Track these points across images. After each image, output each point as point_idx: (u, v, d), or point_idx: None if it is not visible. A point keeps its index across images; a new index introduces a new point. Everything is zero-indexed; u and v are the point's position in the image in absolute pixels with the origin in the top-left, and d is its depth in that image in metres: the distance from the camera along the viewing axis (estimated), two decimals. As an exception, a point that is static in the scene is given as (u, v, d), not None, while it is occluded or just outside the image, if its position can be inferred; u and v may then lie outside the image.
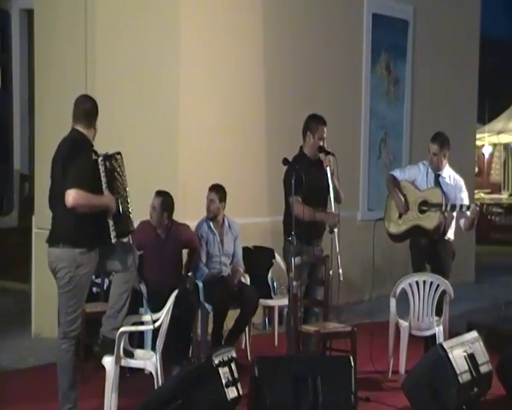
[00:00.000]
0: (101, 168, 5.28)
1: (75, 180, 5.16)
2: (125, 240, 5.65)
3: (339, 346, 6.45)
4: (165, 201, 6.91)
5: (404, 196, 7.14)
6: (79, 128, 5.39)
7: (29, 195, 10.54)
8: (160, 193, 6.96)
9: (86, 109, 5.41)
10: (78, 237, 5.24)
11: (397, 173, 7.30)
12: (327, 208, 6.73)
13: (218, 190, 7.28)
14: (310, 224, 6.55)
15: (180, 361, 6.60)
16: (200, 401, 5.08)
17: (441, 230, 7.01)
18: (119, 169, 5.40)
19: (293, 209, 6.43)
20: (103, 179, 5.29)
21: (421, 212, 7.04)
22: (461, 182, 7.17)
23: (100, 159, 5.29)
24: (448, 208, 6.92)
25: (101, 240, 5.31)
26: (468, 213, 6.94)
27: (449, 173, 7.16)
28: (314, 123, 6.70)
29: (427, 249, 7.09)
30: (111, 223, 5.29)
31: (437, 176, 7.11)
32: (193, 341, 7.06)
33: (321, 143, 6.65)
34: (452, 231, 7.16)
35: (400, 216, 7.15)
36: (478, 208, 6.92)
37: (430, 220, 6.98)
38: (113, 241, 5.32)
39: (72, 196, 5.14)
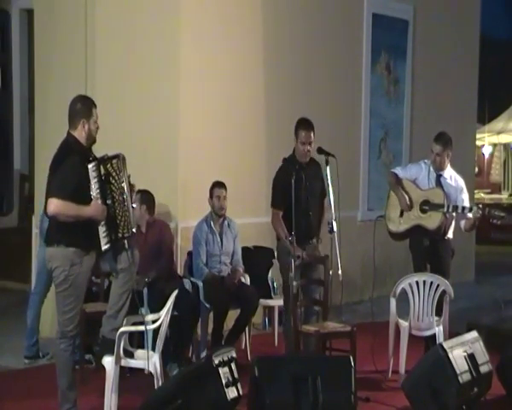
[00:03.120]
0: (93, 174, 5.23)
1: (57, 188, 5.15)
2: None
3: (339, 346, 6.45)
4: (142, 196, 7.10)
5: (407, 193, 7.14)
6: (71, 131, 5.37)
7: (29, 195, 10.53)
8: (139, 191, 7.10)
9: (72, 111, 5.38)
10: (72, 238, 5.23)
11: (398, 171, 7.29)
12: (317, 211, 6.78)
13: (223, 186, 7.33)
14: (303, 224, 6.57)
15: (180, 361, 6.62)
16: (200, 401, 5.08)
17: (442, 230, 7.02)
18: (114, 173, 5.33)
19: (272, 221, 6.72)
20: (94, 185, 5.24)
21: (423, 211, 7.04)
22: (462, 183, 7.17)
23: (91, 165, 5.24)
24: (450, 209, 6.92)
25: (96, 244, 5.30)
26: (470, 215, 6.94)
27: (450, 174, 7.16)
28: (296, 127, 6.75)
29: (428, 250, 7.09)
30: (102, 230, 5.26)
31: (438, 176, 7.11)
32: (193, 341, 7.07)
33: (305, 149, 6.63)
34: (451, 230, 7.17)
35: (401, 215, 7.15)
36: (480, 211, 6.89)
37: (432, 221, 6.97)
38: (105, 248, 5.28)
39: (53, 205, 5.13)
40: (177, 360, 6.63)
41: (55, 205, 5.13)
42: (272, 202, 6.78)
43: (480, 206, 7.00)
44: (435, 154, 7.05)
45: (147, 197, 7.17)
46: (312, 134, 6.67)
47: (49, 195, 5.20)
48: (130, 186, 5.48)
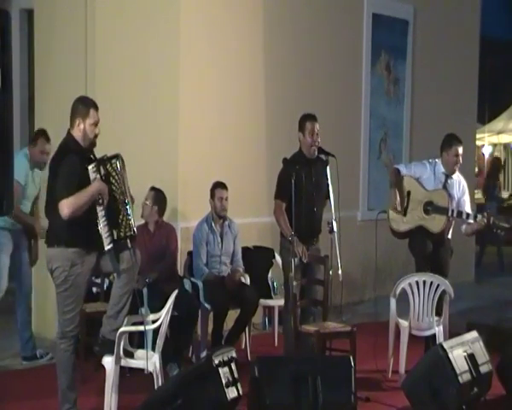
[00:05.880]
0: (94, 175, 5.25)
1: (62, 191, 5.15)
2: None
3: (339, 346, 6.45)
4: (156, 195, 7.15)
5: (409, 192, 7.13)
6: (70, 130, 5.41)
7: (29, 195, 10.51)
8: (153, 188, 7.22)
9: (72, 109, 5.42)
10: (73, 238, 5.23)
11: (402, 168, 7.28)
12: (322, 207, 6.82)
13: (225, 187, 7.33)
14: (306, 223, 6.59)
15: (180, 361, 6.61)
16: (200, 401, 5.07)
17: (445, 232, 7.04)
18: (114, 173, 5.33)
19: (274, 211, 6.73)
20: None
21: (426, 212, 7.03)
22: (465, 185, 7.23)
23: (91, 166, 5.25)
24: (454, 215, 6.93)
25: (97, 244, 5.31)
26: (471, 220, 6.95)
27: (457, 175, 7.19)
28: (302, 121, 6.78)
29: (429, 248, 7.09)
30: (105, 229, 5.26)
31: (446, 177, 7.11)
32: (193, 341, 7.07)
33: (314, 139, 6.66)
34: (450, 230, 7.18)
35: (405, 214, 7.14)
36: (485, 220, 6.88)
37: (436, 224, 6.97)
38: (108, 247, 5.28)
39: (65, 207, 5.13)
40: (177, 361, 6.62)
41: (67, 206, 5.13)
42: (276, 194, 6.78)
43: (485, 214, 6.97)
44: (458, 155, 7.06)
45: (160, 198, 7.18)
46: (318, 126, 6.71)
47: (56, 200, 5.18)
48: (131, 197, 5.49)
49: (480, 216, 6.93)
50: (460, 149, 7.09)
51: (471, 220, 6.96)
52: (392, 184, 7.22)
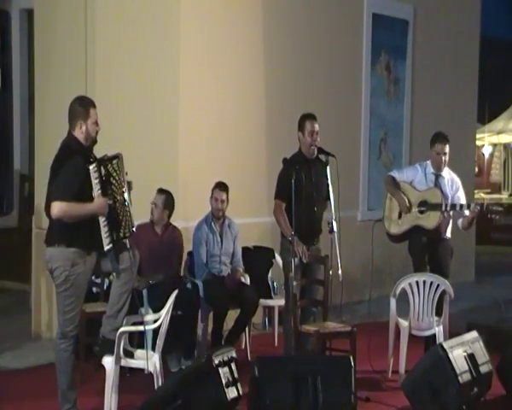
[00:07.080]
0: (94, 175, 5.23)
1: (59, 191, 5.16)
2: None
3: (339, 346, 6.45)
4: (167, 199, 7.14)
5: (406, 196, 7.16)
6: (71, 131, 5.39)
7: (29, 195, 10.53)
8: (162, 191, 7.18)
9: (70, 112, 5.40)
10: (73, 238, 5.23)
11: (395, 174, 7.33)
12: (324, 207, 6.82)
13: (226, 189, 7.32)
14: (306, 223, 6.59)
15: (179, 361, 6.62)
16: (200, 401, 5.08)
17: (441, 229, 7.04)
18: (115, 174, 5.34)
19: (274, 211, 6.72)
20: (96, 186, 5.25)
21: (421, 212, 7.06)
22: (458, 181, 7.24)
23: (92, 166, 5.24)
24: (448, 208, 6.96)
25: (97, 244, 5.31)
26: (467, 212, 6.98)
27: (448, 172, 7.21)
28: (301, 121, 6.79)
29: (427, 250, 7.10)
30: (104, 230, 5.26)
31: (437, 176, 7.14)
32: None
33: (313, 138, 6.66)
34: (449, 230, 7.19)
35: (400, 216, 7.17)
36: (478, 207, 6.95)
37: (430, 220, 7.00)
38: (107, 248, 5.28)
39: (56, 209, 5.15)
40: (177, 360, 6.63)
41: (58, 208, 5.14)
42: (276, 194, 6.78)
43: (479, 202, 7.04)
44: (442, 153, 7.08)
45: (170, 201, 7.17)
46: (317, 125, 6.71)
47: (51, 198, 5.20)
48: (128, 183, 5.49)
49: (473, 204, 6.99)
50: (445, 148, 7.08)
51: (466, 211, 6.99)
52: (392, 192, 7.22)
